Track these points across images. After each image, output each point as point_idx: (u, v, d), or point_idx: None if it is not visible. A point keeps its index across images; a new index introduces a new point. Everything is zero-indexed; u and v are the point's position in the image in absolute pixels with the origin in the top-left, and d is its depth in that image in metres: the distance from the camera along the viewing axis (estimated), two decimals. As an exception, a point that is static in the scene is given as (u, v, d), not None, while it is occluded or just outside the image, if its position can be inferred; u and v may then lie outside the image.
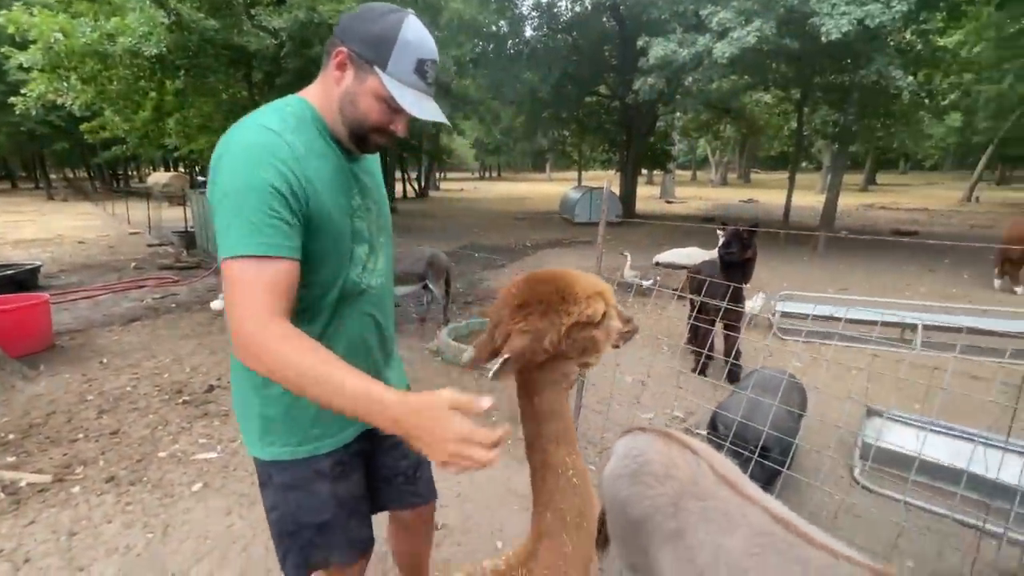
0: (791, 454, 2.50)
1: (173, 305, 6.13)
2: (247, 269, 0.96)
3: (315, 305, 1.13)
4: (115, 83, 10.23)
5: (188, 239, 10.02)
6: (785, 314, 5.25)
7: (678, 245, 9.46)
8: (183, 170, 28.53)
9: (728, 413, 2.51)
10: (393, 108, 1.11)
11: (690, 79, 10.33)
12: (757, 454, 2.29)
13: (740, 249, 3.95)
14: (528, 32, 17.10)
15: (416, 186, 27.86)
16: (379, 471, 1.43)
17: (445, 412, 0.84)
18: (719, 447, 2.38)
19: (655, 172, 26.28)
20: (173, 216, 13.06)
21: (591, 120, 19.24)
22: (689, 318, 4.50)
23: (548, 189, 32.22)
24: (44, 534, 2.29)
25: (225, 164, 1.00)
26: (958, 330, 4.65)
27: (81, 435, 3.13)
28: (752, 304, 5.31)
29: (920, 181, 36.12)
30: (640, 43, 10.43)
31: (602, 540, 1.69)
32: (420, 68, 1.09)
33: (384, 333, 1.31)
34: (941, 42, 13.67)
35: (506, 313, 0.93)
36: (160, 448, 3.01)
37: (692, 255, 8.27)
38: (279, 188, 0.99)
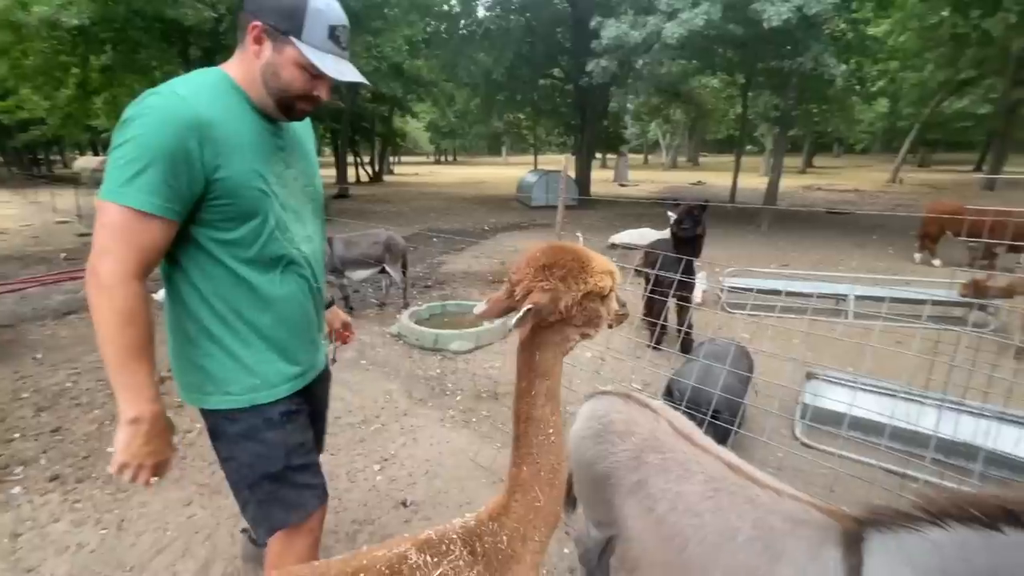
0: (740, 415, 2.68)
1: (111, 297, 5.76)
2: (125, 219, 1.04)
3: (249, 263, 1.20)
4: (31, 57, 9.36)
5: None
6: (732, 289, 5.53)
7: (632, 227, 9.74)
8: (112, 154, 26.51)
9: (682, 379, 2.65)
10: (314, 75, 1.17)
11: (641, 62, 10.51)
12: (709, 416, 2.44)
13: (692, 225, 4.14)
14: (481, 12, 16.83)
15: (369, 170, 27.10)
16: (312, 419, 1.50)
17: (168, 434, 1.16)
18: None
19: (608, 156, 26.70)
20: (104, 203, 12.15)
21: (546, 103, 19.26)
22: (644, 292, 4.67)
23: (504, 172, 32.11)
24: (-16, 538, 2.16)
25: (132, 123, 1.05)
26: (883, 299, 5.09)
27: (17, 434, 2.94)
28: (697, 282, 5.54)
29: (851, 164, 38.43)
30: (593, 24, 10.50)
31: (570, 502, 1.77)
32: (333, 34, 1.17)
33: (318, 296, 1.40)
34: (870, 31, 14.49)
35: (530, 272, 0.99)
36: (108, 443, 2.87)
37: (645, 235, 8.55)
38: (177, 151, 1.04)
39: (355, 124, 22.52)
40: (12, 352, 4.09)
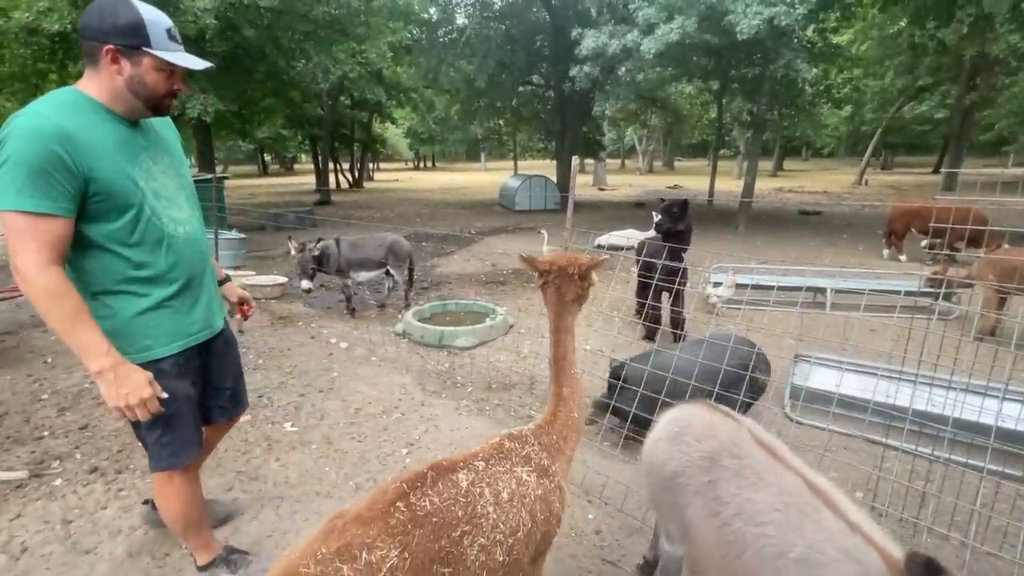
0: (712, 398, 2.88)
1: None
2: (24, 222, 1.28)
3: (134, 246, 1.47)
4: (7, 63, 9.19)
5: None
6: (715, 283, 5.83)
7: (616, 228, 10.05)
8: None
9: (620, 361, 2.90)
10: (170, 72, 1.45)
11: (622, 70, 10.87)
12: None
13: (676, 221, 4.40)
14: (461, 20, 17.05)
15: (350, 177, 26.98)
16: (209, 389, 1.82)
17: (135, 374, 1.41)
18: (620, 393, 2.76)
19: (587, 160, 27.18)
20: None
21: (526, 109, 19.55)
22: (640, 291, 4.93)
23: (485, 178, 32.33)
24: (36, 525, 2.24)
25: (5, 144, 1.28)
26: (860, 292, 5.47)
27: (47, 433, 2.99)
28: (723, 290, 5.48)
29: (819, 167, 39.90)
30: (574, 34, 10.82)
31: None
32: (171, 35, 1.44)
33: (205, 268, 1.71)
34: (836, 40, 15.23)
35: (562, 262, 1.62)
36: (138, 439, 2.95)
37: (630, 236, 8.85)
38: (50, 160, 1.28)
39: (335, 131, 22.43)
40: (21, 357, 4.10)
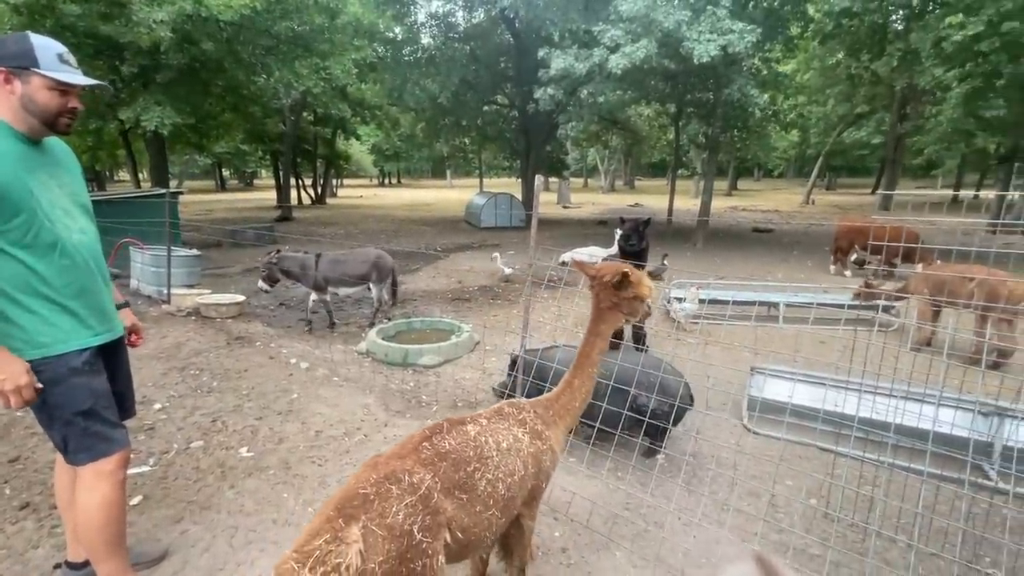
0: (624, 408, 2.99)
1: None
2: None
3: (27, 248, 1.56)
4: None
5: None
6: (678, 299, 6.01)
7: (580, 245, 10.23)
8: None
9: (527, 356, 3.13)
10: (62, 91, 1.59)
11: (585, 92, 11.19)
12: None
13: (639, 239, 4.56)
14: (425, 39, 17.22)
15: (312, 193, 26.47)
16: (118, 382, 1.88)
17: (13, 364, 1.51)
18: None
19: (552, 179, 27.68)
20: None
21: (491, 128, 19.80)
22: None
23: (451, 195, 32.37)
24: (-44, 569, 2.05)
25: None
26: (809, 306, 5.75)
27: (-29, 467, 2.76)
28: (687, 305, 5.64)
29: (770, 187, 41.96)
30: (541, 54, 11.10)
31: None
32: (62, 58, 1.60)
33: (101, 272, 1.78)
34: (781, 69, 16.20)
35: (607, 274, 1.83)
36: (77, 470, 2.76)
37: (594, 253, 9.02)
38: None
39: (297, 146, 22.05)
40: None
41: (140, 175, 20.37)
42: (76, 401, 1.64)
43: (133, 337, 2.08)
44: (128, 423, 1.93)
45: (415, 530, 1.22)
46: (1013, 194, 12.96)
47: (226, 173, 43.98)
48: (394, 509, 1.21)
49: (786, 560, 2.21)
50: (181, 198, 12.41)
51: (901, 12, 14.05)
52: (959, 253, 5.41)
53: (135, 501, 2.51)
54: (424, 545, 1.23)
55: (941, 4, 12.63)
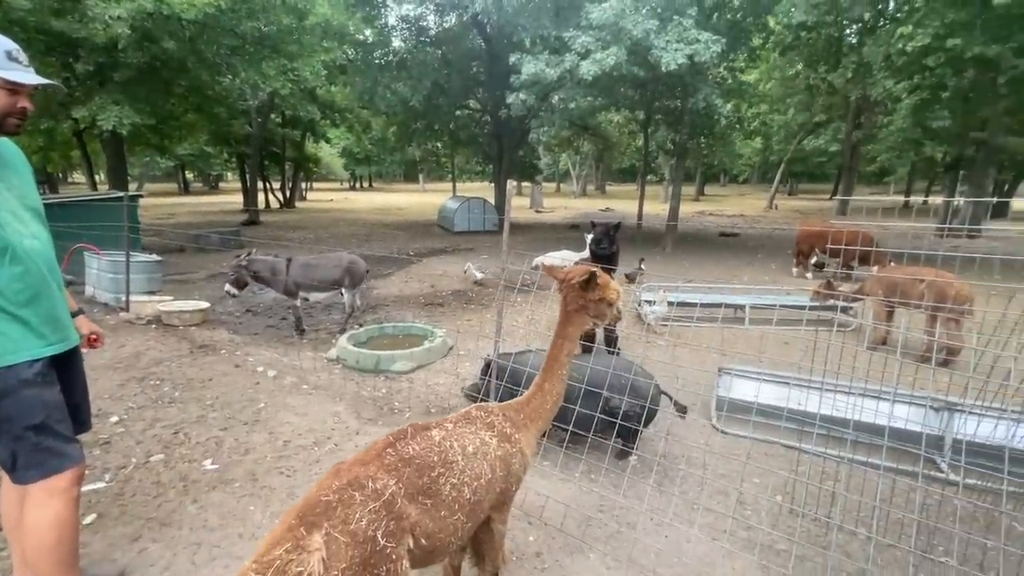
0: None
1: None
2: None
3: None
4: None
5: None
6: (648, 302, 6.12)
7: (552, 249, 10.31)
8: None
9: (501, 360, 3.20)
10: (11, 90, 1.55)
11: (556, 98, 11.31)
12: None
13: (609, 243, 4.63)
14: (397, 43, 17.08)
15: (280, 196, 25.85)
16: (73, 393, 1.82)
17: None
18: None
19: (524, 183, 27.84)
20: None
21: (463, 132, 19.76)
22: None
23: (423, 199, 32.14)
24: None
25: None
26: (773, 307, 5.94)
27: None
28: (658, 307, 5.73)
29: (735, 192, 43.25)
30: (512, 60, 11.16)
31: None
32: (12, 56, 1.55)
33: (55, 279, 1.74)
34: (745, 78, 16.75)
35: (575, 276, 1.85)
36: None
37: (566, 257, 9.10)
38: None
39: (264, 149, 21.51)
40: None
41: (97, 177, 19.52)
42: (27, 414, 1.56)
43: (92, 338, 2.01)
44: (83, 437, 1.84)
45: (379, 536, 1.22)
46: (958, 200, 13.72)
47: (190, 176, 42.51)
48: (357, 515, 1.21)
49: (753, 556, 2.27)
50: (141, 201, 11.94)
51: (855, 26, 14.75)
52: (910, 256, 5.69)
53: (89, 520, 2.39)
54: (388, 551, 1.22)
55: (891, 19, 13.32)
